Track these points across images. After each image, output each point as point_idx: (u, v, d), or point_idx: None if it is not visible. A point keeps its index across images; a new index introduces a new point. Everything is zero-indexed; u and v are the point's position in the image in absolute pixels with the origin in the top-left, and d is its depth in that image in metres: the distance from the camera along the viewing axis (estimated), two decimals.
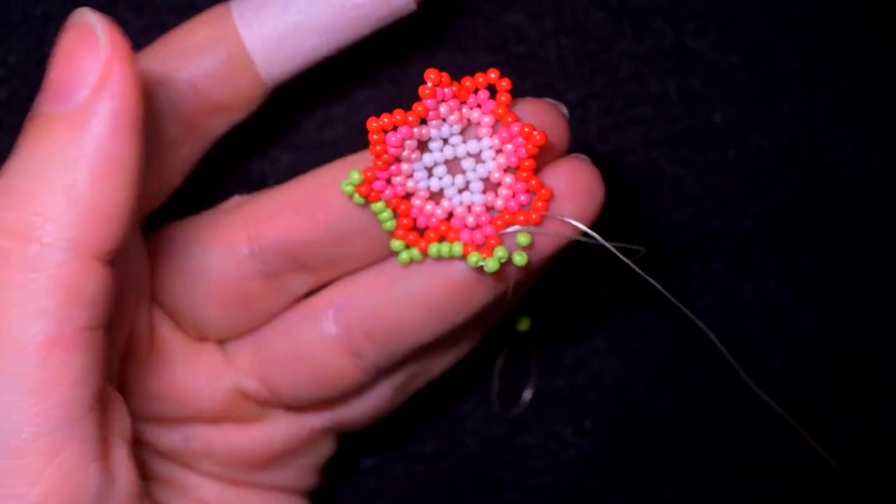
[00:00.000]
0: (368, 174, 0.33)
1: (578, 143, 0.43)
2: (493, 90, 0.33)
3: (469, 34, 0.42)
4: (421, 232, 0.34)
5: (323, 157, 0.37)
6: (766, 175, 0.44)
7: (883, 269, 0.45)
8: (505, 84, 0.32)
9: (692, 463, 0.46)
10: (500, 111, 0.32)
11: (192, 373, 0.37)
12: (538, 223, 0.33)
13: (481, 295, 0.35)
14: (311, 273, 0.36)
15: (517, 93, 0.42)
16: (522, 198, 0.33)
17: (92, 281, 0.28)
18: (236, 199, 0.37)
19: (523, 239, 0.33)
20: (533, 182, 0.32)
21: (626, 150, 0.43)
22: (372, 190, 0.33)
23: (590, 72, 0.43)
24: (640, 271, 0.34)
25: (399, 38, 0.42)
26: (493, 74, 0.32)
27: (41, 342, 0.27)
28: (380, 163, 0.33)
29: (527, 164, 0.32)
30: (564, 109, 0.34)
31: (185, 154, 0.35)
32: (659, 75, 0.43)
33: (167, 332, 0.37)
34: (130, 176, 0.28)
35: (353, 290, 0.36)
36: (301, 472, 0.41)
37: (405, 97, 0.42)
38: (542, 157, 0.33)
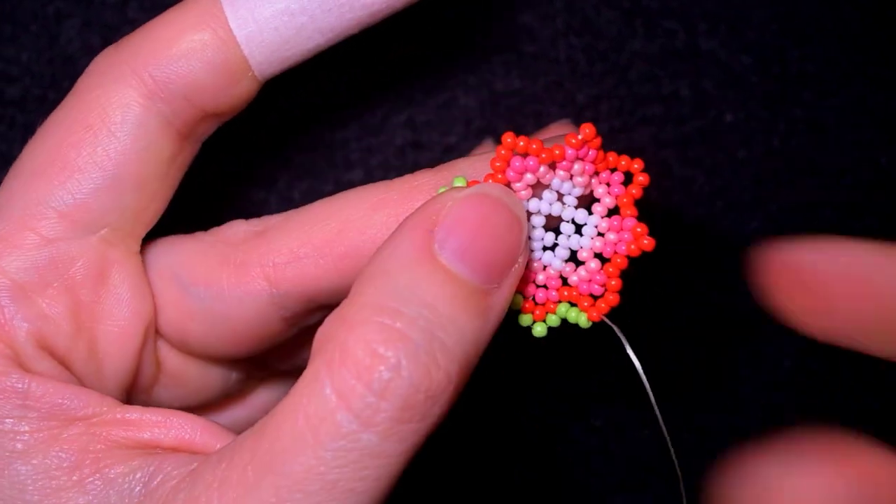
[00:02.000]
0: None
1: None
2: (629, 177, 0.31)
3: (481, 34, 0.42)
4: None
5: (327, 159, 0.37)
6: (777, 176, 0.44)
7: None
8: (643, 179, 0.31)
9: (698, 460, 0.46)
10: (626, 200, 0.31)
11: (210, 393, 0.36)
12: (595, 320, 0.32)
13: None
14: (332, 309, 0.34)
15: (530, 92, 0.43)
16: (596, 287, 0.32)
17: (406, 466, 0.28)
18: (240, 227, 0.34)
19: (583, 320, 0.32)
20: (613, 282, 0.31)
21: (636, 150, 0.43)
22: None
23: (601, 72, 0.43)
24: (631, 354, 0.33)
25: (411, 40, 0.42)
26: (636, 165, 0.31)
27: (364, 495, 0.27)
28: (493, 180, 0.31)
29: (619, 260, 0.31)
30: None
31: (178, 167, 0.33)
32: (670, 76, 0.43)
33: (175, 361, 0.35)
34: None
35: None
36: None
37: (417, 98, 0.43)
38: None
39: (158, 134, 0.31)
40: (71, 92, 0.32)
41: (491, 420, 0.46)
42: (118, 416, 0.29)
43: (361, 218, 0.32)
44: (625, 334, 0.44)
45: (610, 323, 0.32)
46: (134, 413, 0.29)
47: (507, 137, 0.30)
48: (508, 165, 0.30)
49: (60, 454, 0.28)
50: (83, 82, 0.31)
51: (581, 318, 0.32)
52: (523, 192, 0.31)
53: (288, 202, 0.43)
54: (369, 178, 0.42)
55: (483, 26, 0.42)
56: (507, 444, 0.46)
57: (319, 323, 0.30)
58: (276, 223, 0.33)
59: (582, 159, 0.31)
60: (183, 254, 0.34)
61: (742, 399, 0.46)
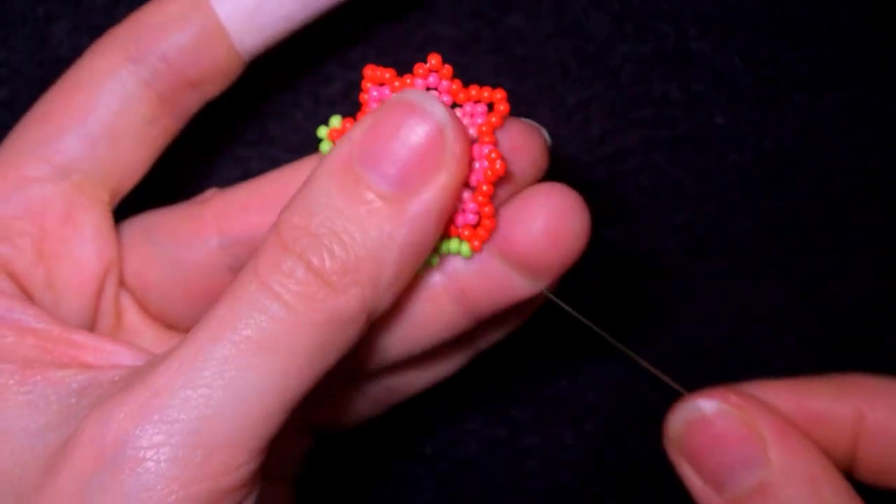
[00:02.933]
0: (347, 124, 0.32)
1: (579, 146, 0.43)
2: (491, 108, 0.32)
3: (471, 36, 0.42)
4: None
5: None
6: (767, 178, 0.44)
7: (883, 272, 0.45)
8: (503, 108, 0.32)
9: None
10: (484, 128, 0.32)
11: None
12: (477, 250, 0.32)
13: (450, 312, 0.34)
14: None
15: (520, 95, 0.43)
16: (470, 217, 0.32)
17: (358, 339, 0.30)
18: (211, 192, 0.37)
19: (465, 249, 0.32)
20: (486, 209, 0.32)
21: (626, 153, 0.43)
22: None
23: (591, 74, 0.43)
24: (590, 323, 0.35)
25: (401, 40, 0.42)
26: (499, 94, 0.32)
27: (309, 374, 0.29)
28: (360, 115, 0.32)
29: (485, 188, 0.32)
30: (545, 134, 0.34)
31: (160, 131, 0.35)
32: (661, 78, 0.43)
33: (135, 318, 0.37)
34: (424, 258, 0.31)
35: None
36: (278, 460, 0.41)
37: None
38: (520, 180, 0.33)
39: (137, 93, 0.34)
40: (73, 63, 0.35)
41: (482, 425, 0.46)
42: (65, 335, 0.31)
43: (305, 175, 0.33)
44: (618, 336, 0.44)
45: (494, 255, 0.32)
46: (80, 336, 0.31)
47: (368, 69, 0.32)
48: (370, 98, 0.32)
49: (10, 359, 0.30)
50: (84, 54, 0.35)
51: (463, 248, 0.32)
52: None
53: (265, 141, 0.43)
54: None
55: (473, 28, 0.42)
56: (499, 449, 0.46)
57: None
58: (238, 185, 0.36)
59: (435, 89, 0.32)
60: (155, 214, 0.37)
61: None
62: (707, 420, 0.33)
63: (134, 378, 0.29)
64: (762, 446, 0.32)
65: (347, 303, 0.29)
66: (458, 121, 0.30)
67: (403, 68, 0.42)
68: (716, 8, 0.43)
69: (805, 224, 0.45)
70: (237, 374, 0.28)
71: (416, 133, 0.30)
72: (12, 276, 0.33)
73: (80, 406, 0.29)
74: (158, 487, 0.28)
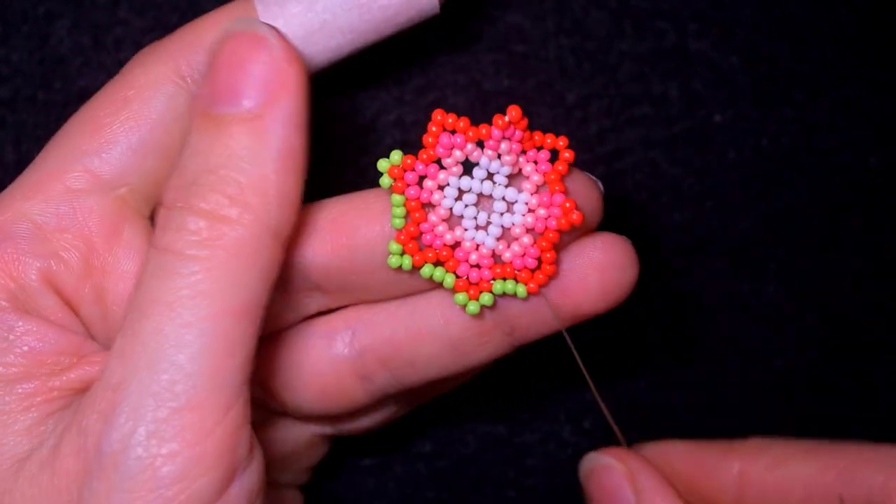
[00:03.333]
0: (408, 161, 0.33)
1: (578, 144, 0.43)
2: (555, 154, 0.33)
3: (471, 34, 0.42)
4: (422, 247, 0.33)
5: (317, 159, 0.37)
6: (766, 176, 0.44)
7: (882, 271, 0.45)
8: (568, 155, 0.33)
9: None
10: (553, 177, 0.33)
11: None
12: (534, 292, 0.33)
13: (497, 342, 0.35)
14: (326, 295, 0.36)
15: (519, 93, 0.43)
16: (530, 261, 0.33)
17: (277, 262, 0.31)
18: None
19: (521, 291, 0.33)
20: (547, 255, 0.33)
21: (625, 151, 0.43)
22: (402, 178, 0.33)
23: (590, 72, 0.43)
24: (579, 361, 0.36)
25: (401, 39, 0.42)
26: (562, 142, 0.33)
27: (238, 307, 0.29)
28: (424, 156, 0.33)
29: (551, 234, 0.33)
30: (601, 186, 0.35)
31: None
32: (659, 76, 0.43)
33: None
34: (302, 167, 0.31)
35: (371, 315, 0.36)
36: (296, 472, 0.41)
37: (407, 98, 0.43)
38: (574, 231, 0.34)
39: (184, 109, 0.34)
40: (117, 73, 0.34)
41: (481, 423, 0.46)
42: (83, 361, 0.32)
43: (363, 205, 0.35)
44: (614, 337, 0.44)
45: (547, 297, 0.34)
46: (99, 359, 0.32)
47: (438, 115, 0.32)
48: (437, 142, 0.32)
49: (19, 389, 0.31)
50: (128, 65, 0.34)
51: (519, 289, 0.33)
52: (454, 169, 0.33)
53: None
54: (360, 177, 0.42)
55: (473, 26, 0.42)
56: (499, 447, 0.46)
57: (316, 312, 0.36)
58: None
59: (509, 139, 0.32)
60: None
61: (731, 400, 0.46)
62: (598, 471, 0.39)
63: (96, 383, 0.30)
64: (633, 498, 0.38)
65: (246, 228, 0.30)
66: (277, 33, 0.31)
67: (405, 67, 0.43)
68: (715, 6, 0.43)
69: (804, 223, 0.45)
70: (172, 341, 0.29)
71: (246, 53, 0.31)
72: (59, 291, 0.33)
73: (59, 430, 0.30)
74: (141, 471, 0.28)
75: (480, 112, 0.42)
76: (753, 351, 0.46)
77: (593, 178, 0.34)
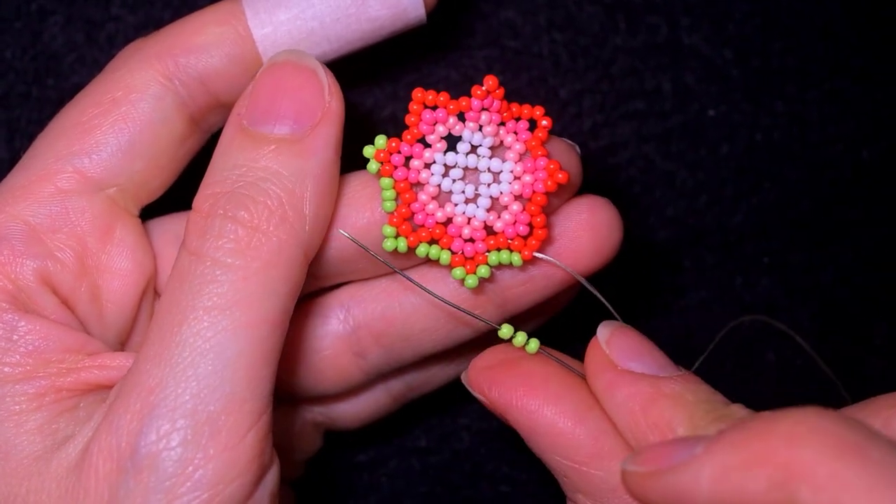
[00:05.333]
0: (393, 144, 0.33)
1: (572, 139, 0.43)
2: (533, 125, 0.34)
3: (464, 30, 0.42)
4: (415, 227, 0.34)
5: None
6: (759, 170, 0.44)
7: (874, 264, 0.46)
8: (546, 123, 0.34)
9: None
10: (534, 143, 0.33)
11: None
12: (528, 259, 0.34)
13: (489, 314, 0.36)
14: (318, 279, 0.36)
15: (513, 88, 0.43)
16: (522, 228, 0.34)
17: (303, 278, 0.32)
18: None
19: (516, 259, 0.34)
20: (538, 219, 0.33)
21: (618, 145, 0.43)
22: (389, 161, 0.33)
23: (583, 67, 0.43)
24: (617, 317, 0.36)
25: (395, 36, 0.42)
26: (538, 112, 0.34)
27: (274, 317, 0.30)
28: (409, 136, 0.33)
29: (539, 198, 0.33)
30: (579, 150, 0.35)
31: (188, 149, 0.36)
32: (653, 70, 0.43)
33: None
34: (335, 192, 0.33)
35: (365, 293, 0.37)
36: (289, 465, 0.41)
37: (401, 94, 0.43)
38: (559, 196, 0.34)
39: (174, 112, 0.34)
40: (101, 72, 0.35)
41: (475, 418, 0.46)
42: (93, 361, 0.32)
43: (352, 192, 0.35)
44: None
45: (543, 256, 0.34)
46: (108, 359, 0.32)
47: (417, 92, 0.33)
48: (420, 118, 0.33)
49: (28, 388, 0.31)
50: (112, 64, 0.35)
51: (514, 258, 0.34)
52: (438, 145, 0.33)
53: None
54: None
55: (466, 22, 0.42)
56: (493, 442, 0.46)
57: (309, 294, 0.37)
58: None
59: (488, 109, 0.33)
60: (183, 217, 0.36)
61: (724, 393, 0.46)
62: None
63: (126, 384, 0.30)
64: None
65: (281, 241, 0.31)
66: (323, 66, 0.33)
67: (399, 64, 0.43)
68: (707, 1, 0.43)
69: (797, 217, 0.45)
70: (211, 345, 0.29)
71: (295, 81, 0.32)
72: (56, 290, 0.33)
73: (84, 430, 0.31)
74: (178, 473, 0.29)
75: None
76: (746, 344, 0.46)
77: (570, 142, 0.35)
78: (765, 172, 0.44)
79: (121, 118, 0.34)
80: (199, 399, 0.29)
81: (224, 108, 0.35)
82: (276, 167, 0.31)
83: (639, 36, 0.43)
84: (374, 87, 0.43)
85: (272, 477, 0.31)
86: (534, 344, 0.34)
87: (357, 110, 0.43)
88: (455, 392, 0.45)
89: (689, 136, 0.43)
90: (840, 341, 0.46)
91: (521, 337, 0.35)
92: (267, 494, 0.30)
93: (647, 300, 0.45)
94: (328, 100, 0.32)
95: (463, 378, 0.36)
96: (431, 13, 0.35)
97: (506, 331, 0.35)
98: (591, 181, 0.43)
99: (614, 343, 0.34)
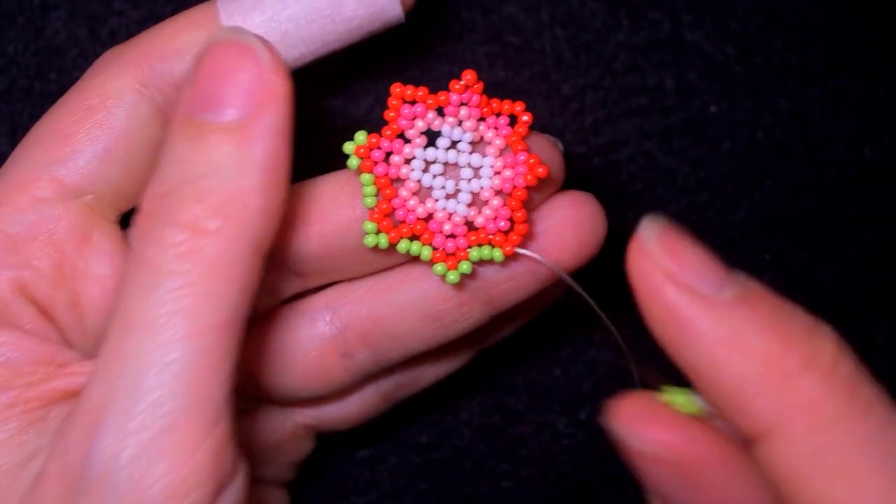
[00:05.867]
0: (373, 139, 0.33)
1: (574, 135, 0.43)
2: (513, 120, 0.34)
3: (466, 25, 0.42)
4: (396, 223, 0.34)
5: (311, 151, 0.37)
6: (761, 167, 0.44)
7: (877, 262, 0.45)
8: (527, 118, 0.34)
9: None
10: (514, 139, 0.33)
11: None
12: (509, 254, 0.34)
13: (475, 312, 0.36)
14: (303, 278, 0.36)
15: (515, 84, 0.43)
16: (503, 223, 0.34)
17: (256, 276, 0.30)
18: None
19: (498, 255, 0.34)
20: (518, 214, 0.33)
21: (620, 142, 0.43)
22: (369, 157, 0.33)
23: (585, 63, 0.43)
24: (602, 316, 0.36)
25: (397, 29, 0.42)
26: (518, 107, 0.34)
27: (220, 323, 0.29)
28: (388, 132, 0.33)
29: (519, 193, 0.33)
30: (561, 146, 0.35)
31: None
32: (655, 67, 0.43)
33: None
34: (286, 179, 0.31)
35: (350, 293, 0.37)
36: (280, 468, 0.41)
37: None
38: (541, 192, 0.34)
39: (150, 118, 0.34)
40: (78, 80, 0.35)
41: (476, 414, 0.46)
42: (62, 370, 0.32)
43: (332, 190, 0.35)
44: (614, 324, 0.44)
45: (525, 252, 0.34)
46: (78, 367, 0.32)
47: (396, 87, 0.33)
48: (399, 113, 0.33)
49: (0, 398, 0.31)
50: (89, 72, 0.34)
51: (496, 254, 0.34)
52: (418, 140, 0.33)
53: None
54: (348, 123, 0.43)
55: (467, 17, 0.42)
56: (493, 438, 0.46)
57: (294, 295, 0.36)
58: None
59: (467, 104, 0.33)
60: None
61: None
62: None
63: (78, 401, 0.29)
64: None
65: (227, 241, 0.29)
66: (266, 42, 0.31)
67: (400, 60, 0.43)
68: None
69: (799, 214, 0.45)
70: (154, 358, 0.28)
71: (233, 62, 0.31)
72: (33, 299, 0.33)
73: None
74: (131, 490, 0.28)
75: None
76: None
77: (552, 138, 0.35)
78: (767, 170, 0.44)
79: (96, 125, 0.33)
80: (147, 414, 0.28)
81: None
82: (218, 158, 0.30)
83: (641, 32, 0.43)
84: (374, 84, 0.43)
85: (238, 485, 0.30)
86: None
87: (357, 107, 0.43)
88: (455, 388, 0.45)
89: (691, 133, 0.43)
90: (842, 339, 0.46)
91: (681, 398, 0.32)
92: (233, 503, 0.30)
93: None
94: (271, 80, 0.31)
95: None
96: (410, 12, 0.35)
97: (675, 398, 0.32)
98: (593, 177, 0.44)
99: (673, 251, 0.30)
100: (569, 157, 0.43)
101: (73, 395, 0.32)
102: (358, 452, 0.47)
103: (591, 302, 0.35)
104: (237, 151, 0.30)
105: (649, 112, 0.43)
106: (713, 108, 0.43)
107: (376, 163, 0.33)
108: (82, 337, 0.34)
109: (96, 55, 0.41)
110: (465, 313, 0.36)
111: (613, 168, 0.43)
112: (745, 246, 0.45)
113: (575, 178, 0.44)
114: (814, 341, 0.28)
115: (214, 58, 0.31)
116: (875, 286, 0.46)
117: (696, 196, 0.44)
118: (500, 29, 0.42)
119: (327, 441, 0.43)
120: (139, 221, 0.30)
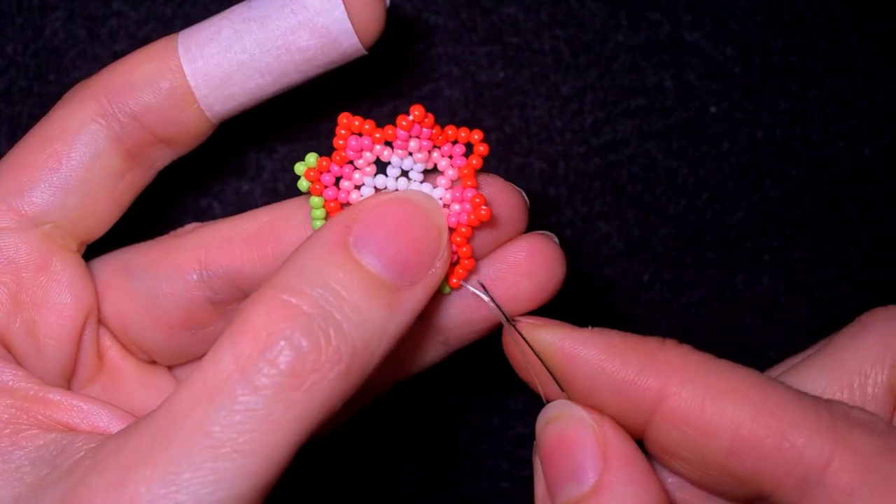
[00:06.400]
0: (323, 162, 0.33)
1: (573, 135, 0.43)
2: (470, 148, 0.33)
3: (466, 26, 0.42)
4: None
5: (313, 150, 0.37)
6: (760, 168, 0.44)
7: (875, 262, 0.46)
8: (483, 149, 0.33)
9: None
10: (465, 172, 0.33)
11: (145, 395, 0.37)
12: (455, 287, 0.33)
13: (434, 350, 0.36)
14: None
15: (514, 84, 0.43)
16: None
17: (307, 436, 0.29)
18: (192, 226, 0.37)
19: (443, 286, 0.33)
20: (464, 249, 0.33)
21: (620, 142, 0.43)
22: (319, 181, 0.33)
23: (585, 63, 0.43)
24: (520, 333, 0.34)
25: (398, 30, 0.42)
26: (476, 136, 0.33)
27: (281, 465, 0.28)
28: (337, 157, 0.33)
29: (464, 230, 0.33)
30: (524, 196, 0.35)
31: (128, 184, 0.36)
32: (654, 67, 0.43)
33: (116, 356, 0.37)
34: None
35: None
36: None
37: (402, 90, 0.43)
38: (497, 233, 0.34)
39: (108, 147, 0.34)
40: (45, 114, 0.35)
41: (475, 414, 0.46)
42: (41, 394, 0.32)
43: (288, 213, 0.35)
44: (612, 324, 0.44)
45: (471, 288, 0.34)
46: (56, 395, 0.32)
47: (343, 118, 0.33)
48: (347, 144, 0.33)
49: None
50: (56, 105, 0.35)
51: (443, 286, 0.34)
52: (367, 169, 0.33)
53: (273, 194, 0.43)
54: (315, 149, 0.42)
55: (468, 19, 0.42)
56: (492, 438, 0.47)
57: None
58: (218, 221, 0.36)
59: (418, 137, 0.33)
60: (135, 249, 0.37)
61: None
62: (564, 422, 0.33)
63: (102, 449, 0.29)
64: (598, 465, 0.32)
65: (332, 392, 0.29)
66: (447, 230, 0.32)
67: (401, 60, 0.43)
68: None
69: (798, 214, 0.45)
70: (203, 482, 0.27)
71: (418, 233, 0.31)
72: None
73: (50, 479, 0.29)
74: None
75: (475, 104, 0.42)
76: (746, 340, 0.46)
77: (517, 187, 0.34)
78: (766, 170, 0.44)
79: (53, 155, 0.34)
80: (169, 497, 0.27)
81: (162, 145, 0.35)
82: (366, 311, 0.29)
83: (640, 33, 0.43)
84: (372, 83, 0.43)
85: None
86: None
87: (357, 107, 0.43)
88: (454, 388, 0.45)
89: (690, 134, 0.43)
90: None
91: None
92: None
93: (648, 297, 0.45)
94: (437, 265, 0.31)
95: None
96: (374, 45, 0.34)
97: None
98: (593, 178, 0.44)
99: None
100: (568, 157, 0.43)
101: (66, 429, 0.31)
102: (358, 452, 0.47)
103: (526, 342, 0.34)
104: (384, 314, 0.30)
105: (649, 112, 0.43)
106: (712, 109, 0.43)
107: (326, 186, 0.33)
108: (40, 364, 0.34)
109: (95, 56, 0.42)
110: (422, 353, 0.35)
111: (613, 168, 0.43)
112: (745, 246, 0.45)
113: (574, 178, 0.44)
114: None
115: (405, 214, 0.31)
116: (874, 286, 0.46)
117: (695, 196, 0.44)
118: (500, 29, 0.42)
119: (327, 441, 0.43)
120: (257, 314, 0.29)
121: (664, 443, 0.32)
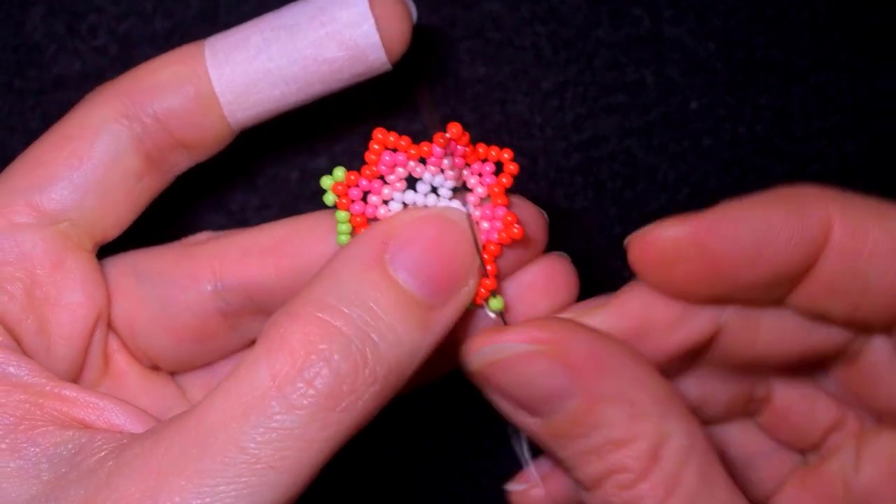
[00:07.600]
0: (351, 177, 0.33)
1: (554, 132, 0.43)
2: (500, 167, 0.33)
3: (447, 22, 0.42)
4: None
5: (293, 146, 0.37)
6: (742, 164, 0.44)
7: None
8: (513, 168, 0.33)
9: None
10: (496, 190, 0.33)
11: (148, 400, 0.37)
12: (477, 303, 0.33)
13: (451, 363, 0.35)
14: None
15: (495, 80, 0.43)
16: None
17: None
18: (204, 235, 0.37)
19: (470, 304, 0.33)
20: (488, 267, 0.33)
21: (600, 138, 0.43)
22: (346, 195, 0.33)
23: (566, 59, 0.43)
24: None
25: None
26: (507, 155, 0.33)
27: (307, 482, 0.29)
28: (368, 171, 0.33)
29: (492, 248, 0.33)
30: (546, 216, 0.35)
31: (146, 187, 0.36)
32: (635, 63, 0.43)
33: (121, 360, 0.37)
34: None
35: None
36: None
37: (383, 88, 0.42)
38: (521, 253, 0.34)
39: (128, 148, 0.34)
40: (67, 113, 0.35)
41: (476, 417, 0.46)
42: (56, 390, 0.31)
43: (307, 227, 0.35)
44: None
45: (490, 312, 0.34)
46: (72, 391, 0.31)
47: (378, 133, 0.33)
48: (380, 159, 0.33)
49: (1, 421, 0.30)
50: (77, 104, 0.35)
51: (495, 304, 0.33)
52: (398, 185, 0.33)
53: (251, 190, 0.43)
54: (334, 164, 0.42)
55: (449, 14, 0.42)
56: (493, 439, 0.47)
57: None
58: (234, 231, 0.36)
59: (452, 154, 0.33)
60: (147, 253, 0.37)
61: None
62: (511, 360, 0.31)
63: (127, 450, 0.29)
64: (572, 378, 0.30)
65: (365, 411, 0.29)
66: (479, 238, 0.32)
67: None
68: None
69: None
70: (244, 492, 0.28)
71: (455, 251, 0.31)
72: (2, 323, 0.33)
73: (69, 479, 0.29)
74: None
75: (455, 100, 0.42)
76: None
77: (539, 208, 0.35)
78: (748, 166, 0.44)
79: (74, 154, 0.34)
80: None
81: (182, 150, 0.35)
82: (401, 332, 0.30)
83: (621, 28, 0.42)
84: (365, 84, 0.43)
85: None
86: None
87: (342, 103, 0.43)
88: (457, 390, 0.45)
89: (671, 129, 0.43)
90: None
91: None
92: None
93: None
94: (470, 283, 0.32)
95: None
96: (398, 61, 0.35)
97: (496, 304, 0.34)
98: (574, 174, 0.43)
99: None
100: (549, 154, 0.43)
101: (81, 425, 0.31)
102: (359, 455, 0.47)
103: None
104: (417, 335, 0.30)
105: (629, 108, 0.43)
106: (694, 105, 0.43)
107: (353, 201, 0.33)
108: (50, 363, 0.34)
109: (75, 51, 0.42)
110: (444, 365, 0.35)
111: (594, 164, 0.43)
112: None
113: (555, 174, 0.44)
114: None
115: (442, 231, 0.32)
116: None
117: (676, 192, 0.44)
118: (481, 25, 0.42)
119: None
120: (294, 330, 0.29)
121: (829, 280, 0.32)
